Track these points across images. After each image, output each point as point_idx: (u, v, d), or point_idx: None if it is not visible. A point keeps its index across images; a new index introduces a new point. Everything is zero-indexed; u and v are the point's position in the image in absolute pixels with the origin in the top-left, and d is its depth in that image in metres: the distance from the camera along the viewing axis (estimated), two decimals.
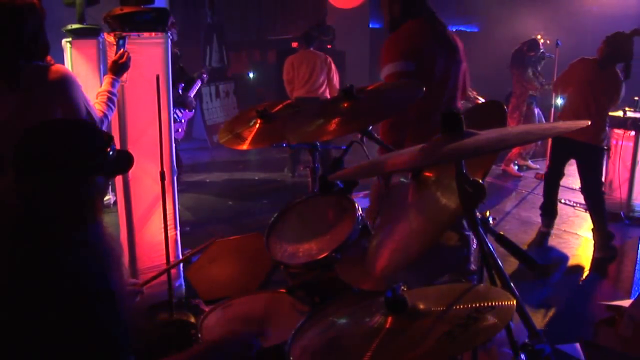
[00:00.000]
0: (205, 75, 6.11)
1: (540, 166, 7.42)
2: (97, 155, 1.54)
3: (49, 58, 2.63)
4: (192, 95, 5.43)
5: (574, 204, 6.13)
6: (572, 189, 6.54)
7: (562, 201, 6.15)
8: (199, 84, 5.89)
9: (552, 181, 5.26)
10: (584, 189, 5.06)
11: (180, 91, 5.14)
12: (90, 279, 1.40)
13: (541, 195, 5.41)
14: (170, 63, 3.46)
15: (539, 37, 7.37)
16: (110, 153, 1.58)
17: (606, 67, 4.89)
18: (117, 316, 1.45)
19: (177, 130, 4.97)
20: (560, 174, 5.22)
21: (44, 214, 1.42)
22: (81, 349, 1.38)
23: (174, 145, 3.51)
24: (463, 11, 11.95)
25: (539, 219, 5.38)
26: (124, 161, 1.70)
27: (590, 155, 4.90)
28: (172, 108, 3.39)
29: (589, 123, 1.50)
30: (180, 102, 4.94)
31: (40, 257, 1.38)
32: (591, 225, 5.06)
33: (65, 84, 2.60)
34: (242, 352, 1.65)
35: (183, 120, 5.10)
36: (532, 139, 1.62)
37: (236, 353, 1.65)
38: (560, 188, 5.36)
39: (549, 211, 5.29)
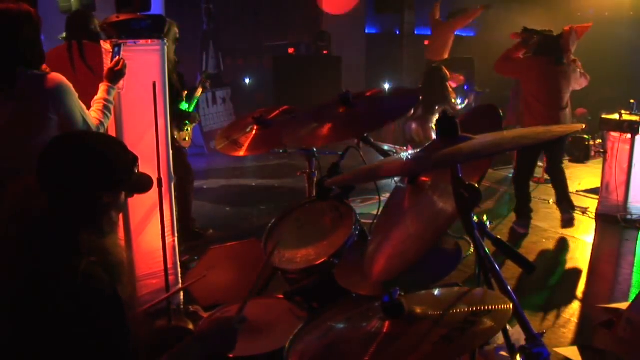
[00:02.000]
0: (206, 84, 6.03)
1: (537, 170, 7.42)
2: (123, 173, 1.57)
3: (44, 66, 2.64)
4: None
5: None
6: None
7: None
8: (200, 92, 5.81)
9: (523, 180, 5.30)
10: (549, 168, 5.33)
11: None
12: (101, 286, 1.41)
13: (538, 199, 5.40)
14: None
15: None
16: (134, 173, 1.61)
17: (536, 60, 5.16)
18: (123, 323, 1.46)
19: (184, 139, 4.94)
20: (532, 172, 5.35)
21: (61, 221, 1.44)
22: (86, 354, 1.39)
23: (170, 152, 3.50)
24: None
25: (536, 223, 5.38)
26: (144, 183, 1.74)
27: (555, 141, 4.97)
28: (168, 115, 3.38)
29: (584, 126, 1.51)
30: (185, 117, 4.87)
31: (55, 263, 1.39)
32: (589, 227, 5.10)
33: (61, 92, 2.60)
34: (226, 338, 1.69)
35: (189, 129, 5.06)
36: (527, 143, 1.63)
37: (220, 340, 1.69)
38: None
39: (524, 212, 5.30)
